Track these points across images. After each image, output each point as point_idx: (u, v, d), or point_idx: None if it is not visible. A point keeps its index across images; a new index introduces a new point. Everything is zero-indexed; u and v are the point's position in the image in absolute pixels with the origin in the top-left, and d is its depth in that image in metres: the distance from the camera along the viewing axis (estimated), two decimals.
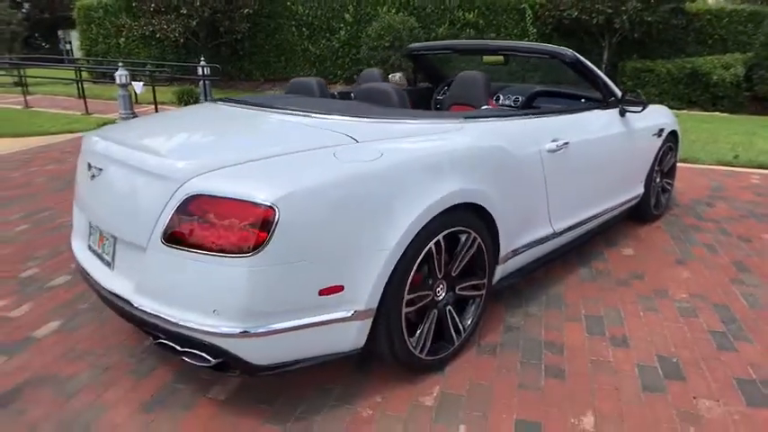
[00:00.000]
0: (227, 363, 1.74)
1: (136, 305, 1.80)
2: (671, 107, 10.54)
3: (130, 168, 1.91)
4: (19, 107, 10.41)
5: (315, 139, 2.00)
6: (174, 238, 1.71)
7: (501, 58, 3.58)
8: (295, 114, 2.30)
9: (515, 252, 2.53)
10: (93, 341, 2.42)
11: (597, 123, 3.11)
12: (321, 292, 1.74)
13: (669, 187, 4.20)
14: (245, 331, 1.66)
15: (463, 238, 2.18)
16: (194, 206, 1.68)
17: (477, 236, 2.22)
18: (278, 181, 1.69)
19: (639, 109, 3.27)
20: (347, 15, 12.58)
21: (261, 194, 1.63)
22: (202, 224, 1.67)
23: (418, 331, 2.10)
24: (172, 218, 1.71)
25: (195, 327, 1.68)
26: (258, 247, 1.61)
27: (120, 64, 8.95)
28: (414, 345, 2.07)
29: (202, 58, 10.38)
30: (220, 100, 2.87)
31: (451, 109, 3.07)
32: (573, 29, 11.89)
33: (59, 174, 5.35)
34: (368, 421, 1.94)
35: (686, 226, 4.01)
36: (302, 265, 1.69)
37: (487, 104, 2.99)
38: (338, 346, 1.87)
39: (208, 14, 11.61)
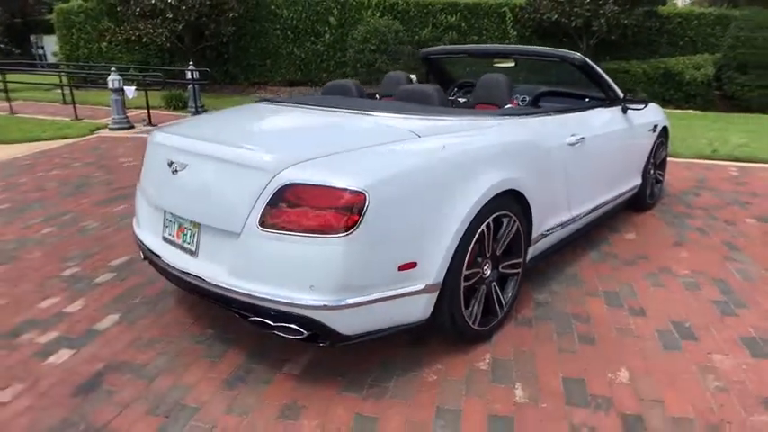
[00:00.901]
0: (317, 334, 1.98)
1: (229, 287, 2.03)
2: None
3: (220, 162, 2.13)
4: (4, 114, 10.32)
5: (383, 134, 2.28)
6: (269, 223, 1.95)
7: (512, 61, 3.88)
8: (353, 113, 2.57)
9: (543, 235, 2.83)
10: (156, 330, 2.61)
11: (604, 120, 3.44)
12: (400, 268, 2.01)
13: (661, 178, 4.57)
14: (338, 304, 1.91)
15: (506, 221, 2.47)
16: (290, 194, 1.93)
17: (516, 219, 2.51)
18: (365, 170, 1.97)
19: (642, 106, 3.60)
20: (332, 19, 12.80)
21: (353, 182, 1.89)
22: (298, 210, 1.91)
23: (471, 304, 2.37)
24: (268, 205, 1.95)
25: (292, 302, 1.92)
26: (351, 228, 1.87)
27: (112, 69, 9.01)
28: (468, 316, 2.34)
29: (191, 63, 10.48)
30: (265, 100, 3.12)
31: (477, 107, 3.35)
32: (552, 31, 12.34)
33: (67, 178, 5.46)
34: (434, 385, 2.21)
35: (678, 213, 4.38)
36: (386, 243, 1.95)
37: (510, 104, 3.29)
38: (410, 317, 2.13)
39: (194, 18, 11.69)
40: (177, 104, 10.57)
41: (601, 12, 11.10)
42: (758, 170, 5.91)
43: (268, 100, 3.15)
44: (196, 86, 10.07)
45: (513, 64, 3.89)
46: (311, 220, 1.89)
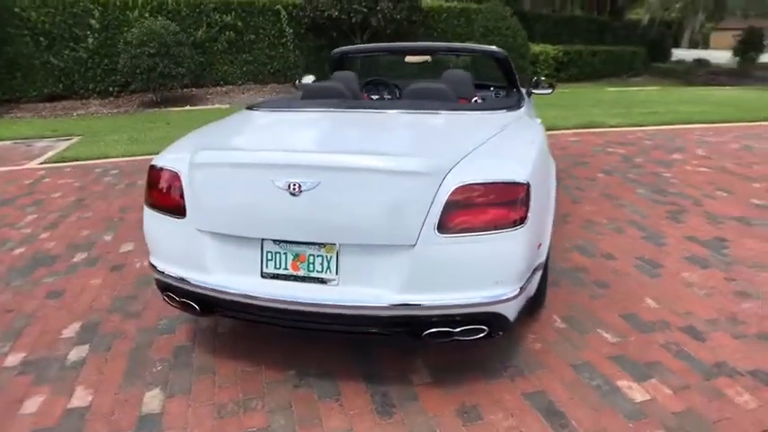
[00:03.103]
0: (494, 328, 2.04)
1: (402, 303, 1.92)
2: None
3: (371, 173, 1.92)
4: None
5: (481, 128, 2.38)
6: (447, 227, 1.90)
7: (427, 57, 4.17)
8: (407, 112, 2.66)
9: None
10: (234, 392, 2.26)
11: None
12: (537, 247, 2.18)
13: None
14: (516, 294, 2.00)
15: None
16: (462, 195, 1.90)
17: None
18: (519, 162, 2.09)
19: (549, 91, 4.23)
20: (93, 21, 11.15)
21: (519, 175, 1.99)
22: (473, 209, 1.91)
23: None
24: (444, 210, 1.89)
25: (481, 301, 1.94)
26: (524, 218, 1.97)
27: None
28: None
29: None
30: (255, 108, 2.87)
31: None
32: (327, 27, 12.90)
33: None
34: (542, 350, 2.45)
35: None
36: (535, 227, 2.09)
37: (477, 98, 3.58)
38: (532, 293, 2.31)
39: None
40: None
41: (378, 8, 12.05)
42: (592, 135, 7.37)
43: (262, 107, 2.89)
44: None
45: (428, 59, 4.17)
46: (488, 217, 1.92)
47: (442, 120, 2.59)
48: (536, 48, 15.45)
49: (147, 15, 11.46)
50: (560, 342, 2.53)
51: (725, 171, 5.50)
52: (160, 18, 11.32)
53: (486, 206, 1.93)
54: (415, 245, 1.91)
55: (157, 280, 2.34)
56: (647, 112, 9.49)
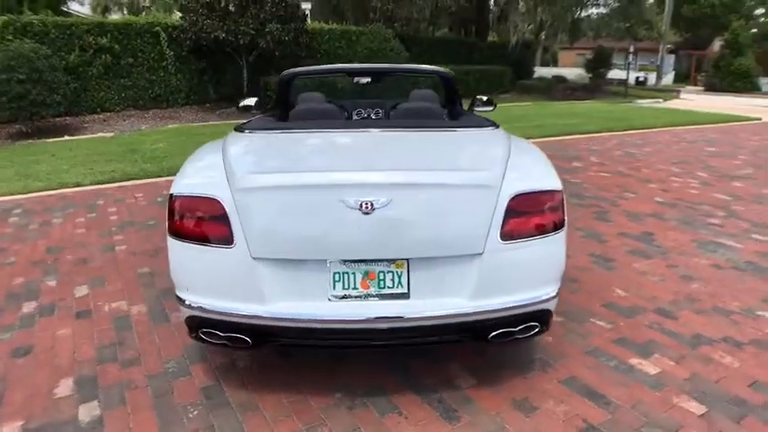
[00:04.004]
0: (543, 324, 2.22)
1: (475, 310, 2.04)
2: None
3: (439, 188, 2.04)
4: None
5: (496, 144, 2.56)
6: (509, 235, 2.07)
7: (368, 78, 4.31)
8: (428, 131, 2.77)
9: None
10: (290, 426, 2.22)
11: None
12: None
13: None
14: (558, 290, 2.21)
15: None
16: (517, 204, 2.09)
17: None
18: (551, 173, 2.31)
19: (491, 108, 4.56)
20: None
21: (556, 183, 2.23)
22: (526, 217, 2.10)
23: None
24: (504, 218, 2.06)
25: (539, 299, 2.13)
26: (563, 221, 2.20)
27: None
28: None
29: None
30: (244, 129, 2.81)
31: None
32: (211, 50, 12.54)
33: None
34: (555, 343, 2.69)
35: None
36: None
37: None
38: None
39: None
40: None
41: (267, 30, 11.97)
42: None
43: (259, 129, 2.82)
44: None
45: (368, 80, 4.29)
46: (537, 223, 2.12)
47: (455, 136, 2.74)
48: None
49: (10, 38, 10.30)
50: (566, 334, 2.80)
51: (623, 175, 6.32)
52: (27, 41, 10.23)
53: (536, 213, 2.14)
54: (482, 253, 2.05)
55: (191, 317, 2.20)
56: (531, 126, 10.49)
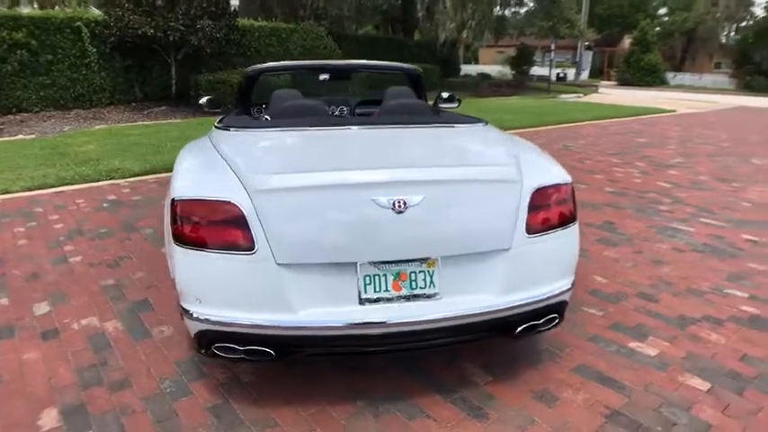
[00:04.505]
0: (561, 315, 2.26)
1: (505, 306, 2.03)
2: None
3: (466, 184, 2.03)
4: None
5: (499, 139, 2.59)
6: (533, 228, 2.08)
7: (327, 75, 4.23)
8: (428, 127, 2.78)
9: None
10: None
11: None
12: None
13: None
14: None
15: None
16: (538, 198, 2.11)
17: None
18: (557, 166, 2.37)
19: (455, 105, 4.58)
20: None
21: (566, 176, 2.28)
22: (547, 210, 2.13)
23: None
24: (528, 212, 2.07)
25: (561, 290, 2.16)
26: (575, 213, 2.24)
27: None
28: None
29: None
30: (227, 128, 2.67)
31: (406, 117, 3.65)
32: (138, 46, 11.87)
33: None
34: (555, 333, 2.75)
35: None
36: None
37: None
38: None
39: None
40: None
41: (198, 26, 11.47)
42: None
43: (249, 127, 2.68)
44: None
45: (327, 76, 4.20)
46: (557, 215, 2.16)
47: (456, 132, 2.74)
48: None
49: None
50: (564, 323, 2.82)
51: (567, 167, 6.54)
52: None
53: (554, 206, 2.17)
54: (509, 248, 2.05)
55: (203, 332, 2.04)
56: None
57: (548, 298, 2.14)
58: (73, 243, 4.11)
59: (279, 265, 1.92)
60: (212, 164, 2.22)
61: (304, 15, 16.51)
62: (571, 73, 26.26)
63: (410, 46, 22.46)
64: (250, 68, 4.09)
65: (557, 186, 2.21)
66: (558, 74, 25.67)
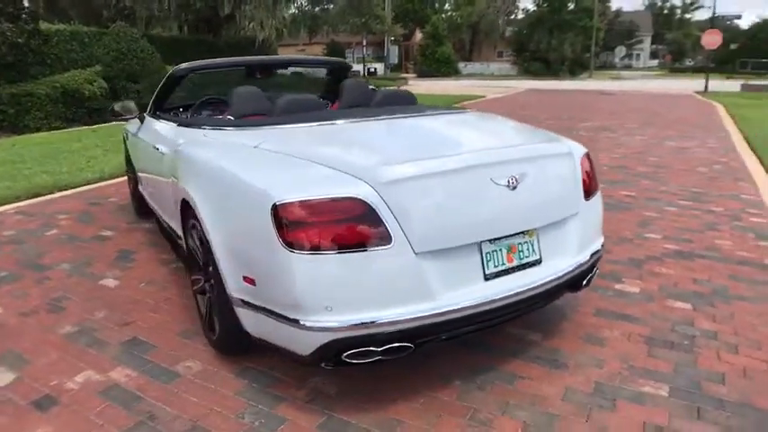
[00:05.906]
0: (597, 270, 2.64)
1: (582, 262, 2.37)
2: (57, 128, 10.76)
3: (548, 159, 2.35)
4: None
5: (509, 121, 2.93)
6: (586, 193, 2.47)
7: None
8: (436, 115, 2.99)
9: None
10: None
11: None
12: None
13: None
14: None
15: None
16: (583, 168, 2.50)
17: None
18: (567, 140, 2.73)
19: None
20: None
21: (582, 148, 2.66)
22: (588, 176, 2.53)
23: None
24: (582, 180, 2.45)
25: (602, 244, 2.61)
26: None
27: None
28: None
29: None
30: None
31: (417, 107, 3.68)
32: None
33: None
34: (547, 318, 3.15)
35: None
36: None
37: None
38: None
39: None
40: None
41: None
42: None
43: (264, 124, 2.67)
44: None
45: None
46: (593, 181, 2.58)
47: (467, 118, 3.03)
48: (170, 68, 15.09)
49: None
50: (552, 309, 2.93)
51: None
52: None
53: (591, 173, 2.59)
54: (578, 213, 2.41)
55: (332, 342, 1.93)
56: None
57: (597, 252, 2.55)
58: None
59: (417, 254, 1.94)
60: (280, 162, 2.20)
61: (109, 17, 14.81)
62: (380, 67, 27.92)
63: (221, 47, 21.58)
64: (178, 68, 3.79)
65: (587, 155, 2.61)
66: (368, 69, 27.07)
